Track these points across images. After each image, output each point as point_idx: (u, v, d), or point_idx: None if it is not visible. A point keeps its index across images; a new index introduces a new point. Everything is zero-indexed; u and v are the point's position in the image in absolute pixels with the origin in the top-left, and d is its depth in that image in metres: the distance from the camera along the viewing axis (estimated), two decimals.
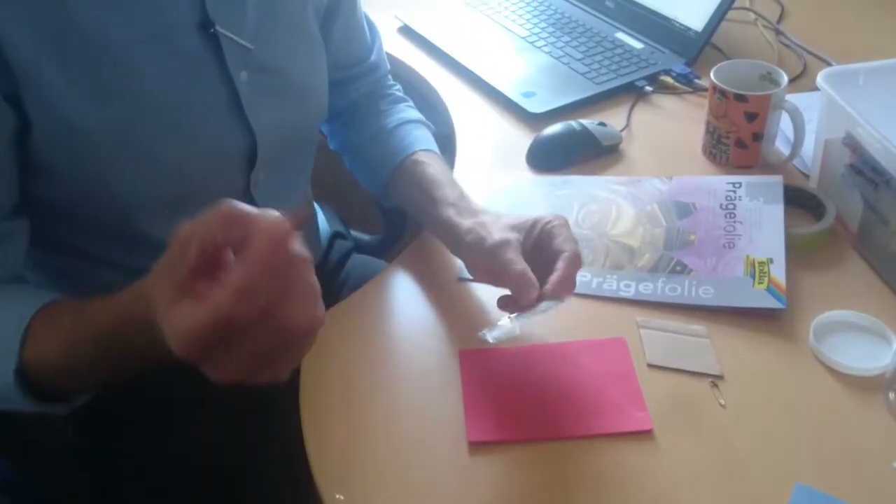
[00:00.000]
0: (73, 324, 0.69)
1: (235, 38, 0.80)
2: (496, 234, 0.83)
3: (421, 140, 1.02)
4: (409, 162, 0.98)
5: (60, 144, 0.74)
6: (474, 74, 1.30)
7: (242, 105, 0.83)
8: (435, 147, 1.03)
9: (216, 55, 0.80)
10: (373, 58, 1.08)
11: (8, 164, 0.74)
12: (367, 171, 1.05)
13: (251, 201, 0.90)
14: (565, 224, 0.83)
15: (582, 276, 0.88)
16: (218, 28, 0.78)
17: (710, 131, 1.11)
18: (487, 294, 0.93)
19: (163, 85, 0.77)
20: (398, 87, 1.12)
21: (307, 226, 1.05)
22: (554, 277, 0.79)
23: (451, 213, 0.88)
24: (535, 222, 0.83)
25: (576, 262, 0.81)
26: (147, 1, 0.75)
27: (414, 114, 1.08)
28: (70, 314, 0.69)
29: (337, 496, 0.73)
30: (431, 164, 0.97)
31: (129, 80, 0.75)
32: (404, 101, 1.10)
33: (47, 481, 0.91)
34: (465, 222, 0.86)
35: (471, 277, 0.95)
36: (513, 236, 0.82)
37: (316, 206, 1.11)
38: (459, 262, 0.97)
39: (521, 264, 0.79)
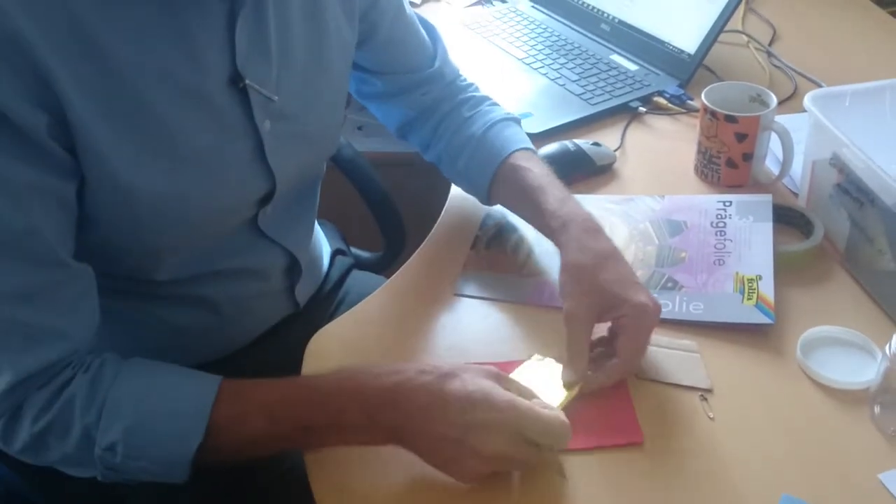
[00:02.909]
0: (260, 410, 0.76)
1: (262, 90, 0.82)
2: (571, 300, 0.85)
3: (511, 140, 1.01)
4: (507, 167, 0.99)
5: (104, 196, 0.76)
6: None
7: (265, 152, 0.85)
8: (526, 141, 1.03)
9: (243, 107, 0.82)
10: (437, 64, 1.07)
11: (75, 213, 0.76)
12: (466, 182, 1.06)
13: (257, 230, 0.92)
14: (641, 324, 0.83)
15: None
16: (248, 82, 0.81)
17: (702, 151, 1.14)
18: (485, 310, 0.95)
19: (197, 139, 0.80)
20: (474, 86, 1.11)
21: (312, 246, 1.07)
22: (600, 375, 0.83)
23: (555, 233, 0.92)
24: (617, 305, 0.83)
25: (620, 369, 0.83)
26: (185, 55, 0.77)
27: (499, 112, 1.06)
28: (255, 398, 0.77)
29: None
30: (529, 167, 0.98)
31: (169, 136, 0.78)
32: (485, 100, 1.09)
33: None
34: (571, 254, 0.88)
35: (468, 294, 0.97)
36: (584, 312, 0.84)
37: (317, 223, 1.13)
38: (458, 278, 0.99)
39: (576, 344, 0.83)
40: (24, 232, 0.71)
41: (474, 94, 1.09)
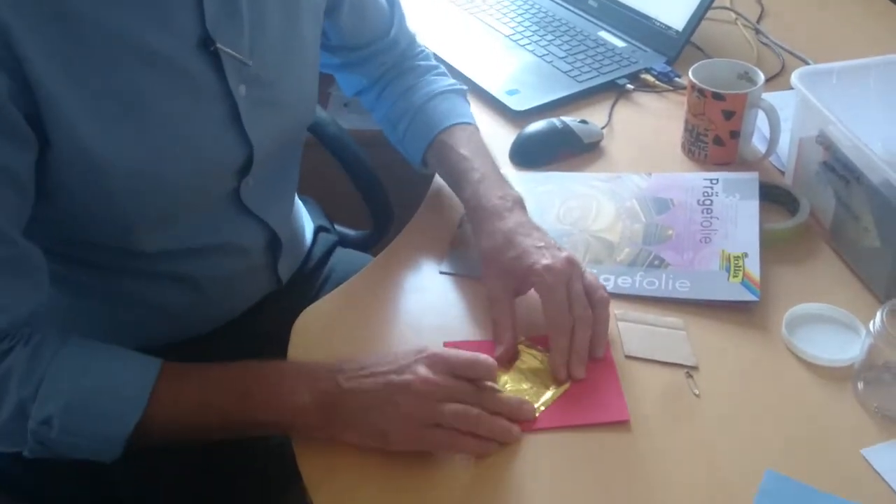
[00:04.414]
0: (199, 388, 0.77)
1: (234, 54, 0.81)
2: (488, 283, 0.89)
3: (447, 115, 1.03)
4: (437, 143, 1.01)
5: (72, 164, 0.75)
6: (459, 72, 1.32)
7: (241, 118, 0.85)
8: (462, 115, 1.04)
9: (216, 71, 0.81)
10: (393, 32, 1.08)
11: (31, 188, 0.75)
12: (403, 150, 1.07)
13: (239, 203, 0.91)
14: (551, 282, 0.84)
15: None
16: (219, 45, 0.80)
17: (689, 129, 1.13)
18: (471, 288, 0.95)
19: (168, 104, 0.79)
20: (426, 53, 1.13)
21: (293, 222, 1.06)
22: (556, 361, 0.83)
23: (470, 218, 0.95)
24: (526, 277, 0.86)
25: (564, 332, 0.83)
26: (151, 18, 0.75)
27: (442, 83, 1.08)
28: (195, 378, 0.78)
29: None
30: (454, 146, 0.99)
31: (138, 101, 0.77)
32: (432, 69, 1.10)
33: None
34: (482, 240, 0.91)
35: (454, 272, 0.97)
36: (500, 292, 0.87)
37: (299, 199, 1.13)
38: (443, 257, 0.99)
39: (501, 322, 0.86)
40: None
41: (423, 62, 1.10)
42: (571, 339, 0.83)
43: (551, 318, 0.83)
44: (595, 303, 0.84)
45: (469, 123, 1.04)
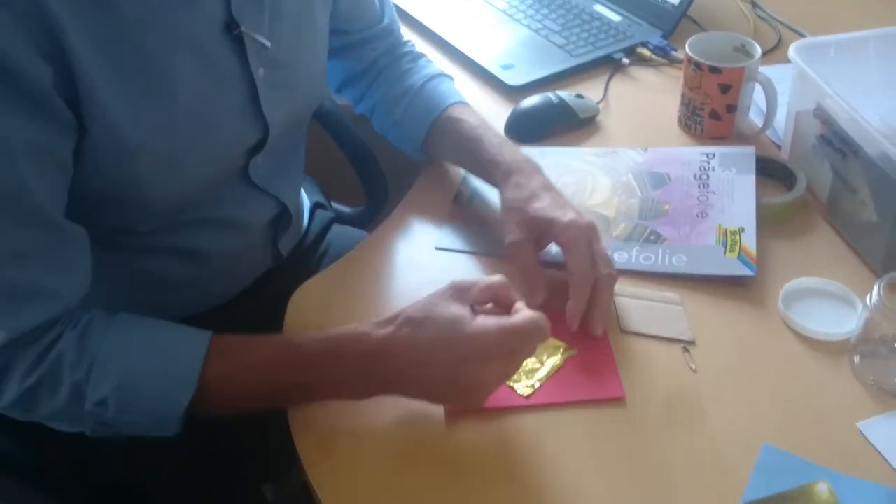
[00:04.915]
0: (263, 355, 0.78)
1: (257, 37, 0.82)
2: (510, 234, 0.89)
3: (448, 94, 1.05)
4: (444, 119, 1.02)
5: (105, 150, 0.75)
6: (453, 47, 1.31)
7: (259, 100, 0.85)
8: (460, 96, 1.06)
9: (239, 55, 0.82)
10: (386, 20, 1.10)
11: (71, 174, 0.75)
12: (400, 132, 1.07)
13: (247, 180, 0.91)
14: (576, 236, 0.84)
15: (555, 246, 0.90)
16: (243, 29, 0.80)
17: (686, 103, 1.13)
18: (466, 264, 0.95)
19: (196, 89, 0.79)
20: (411, 42, 1.15)
21: (293, 200, 1.06)
22: (573, 309, 0.83)
23: (494, 178, 0.95)
24: (549, 228, 0.86)
25: (586, 282, 0.83)
26: (183, 3, 0.76)
27: (434, 68, 1.11)
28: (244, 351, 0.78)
29: None
30: (465, 118, 1.01)
31: (170, 86, 0.77)
32: (422, 56, 1.13)
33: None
34: (507, 191, 0.91)
35: (449, 248, 0.97)
36: (522, 242, 0.88)
37: None
38: (438, 232, 0.98)
39: (528, 269, 0.87)
40: (16, 192, 0.70)
41: (412, 49, 1.13)
42: (595, 294, 0.84)
43: (575, 266, 0.84)
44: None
45: (468, 104, 1.06)
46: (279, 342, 0.80)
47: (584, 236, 0.84)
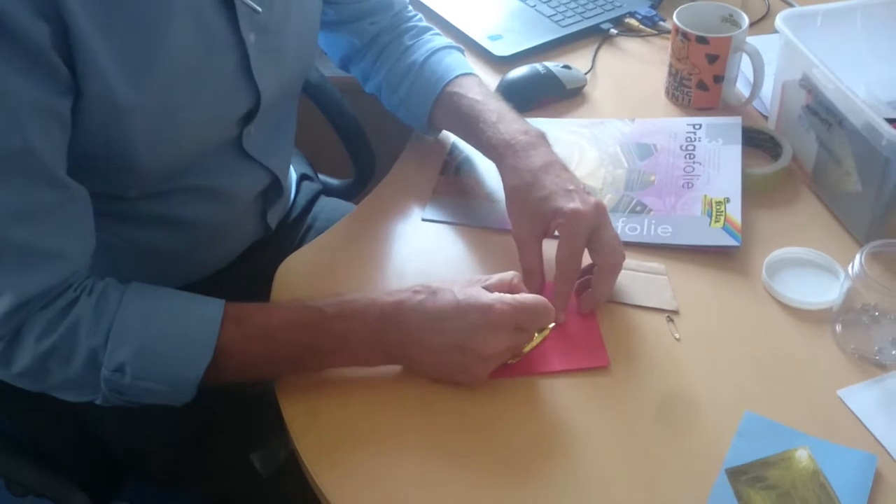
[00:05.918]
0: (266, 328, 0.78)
1: (248, 1, 0.81)
2: (514, 224, 0.89)
3: (452, 67, 1.02)
4: (446, 95, 1.00)
5: (99, 113, 0.75)
6: (440, 17, 1.30)
7: (251, 66, 0.85)
8: (466, 67, 1.03)
9: (230, 20, 0.81)
10: None
11: (69, 131, 0.75)
12: (406, 110, 1.05)
13: (240, 150, 0.91)
14: (573, 229, 0.83)
15: None
16: None
17: (673, 73, 1.13)
18: (453, 235, 0.95)
19: (187, 52, 0.78)
20: (419, 16, 1.11)
21: (284, 172, 1.06)
22: (555, 305, 0.82)
23: (492, 159, 0.94)
24: (553, 218, 0.85)
25: (568, 279, 0.84)
26: None
27: (441, 40, 1.07)
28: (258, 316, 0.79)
29: None
30: (464, 93, 0.98)
31: (162, 53, 0.76)
32: (428, 29, 1.09)
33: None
34: (508, 178, 0.90)
35: (436, 219, 0.97)
36: (527, 233, 0.87)
37: None
38: (425, 204, 0.99)
39: (528, 263, 0.87)
40: (21, 150, 0.70)
41: (417, 23, 1.09)
42: (595, 280, 0.84)
43: (560, 261, 0.84)
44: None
45: (474, 75, 1.03)
46: (295, 305, 0.80)
47: (584, 228, 0.83)
